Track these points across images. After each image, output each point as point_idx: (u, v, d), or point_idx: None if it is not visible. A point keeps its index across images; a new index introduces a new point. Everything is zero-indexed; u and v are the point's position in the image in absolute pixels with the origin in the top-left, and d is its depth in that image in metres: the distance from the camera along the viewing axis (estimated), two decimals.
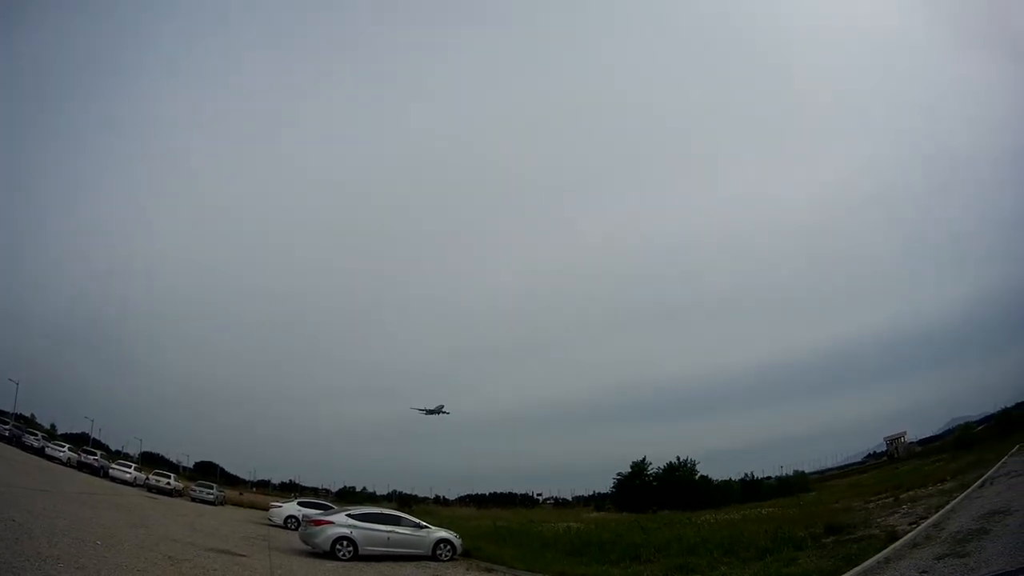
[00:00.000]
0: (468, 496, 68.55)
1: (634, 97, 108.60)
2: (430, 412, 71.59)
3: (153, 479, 45.28)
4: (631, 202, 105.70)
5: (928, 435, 65.22)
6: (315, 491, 59.62)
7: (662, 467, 56.40)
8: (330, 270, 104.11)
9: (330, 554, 19.82)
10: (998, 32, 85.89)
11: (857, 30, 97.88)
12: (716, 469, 59.41)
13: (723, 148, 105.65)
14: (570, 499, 67.32)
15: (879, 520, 21.78)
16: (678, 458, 56.28)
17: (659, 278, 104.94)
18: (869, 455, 70.02)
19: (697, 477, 55.57)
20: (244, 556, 17.20)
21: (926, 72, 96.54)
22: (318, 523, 21.35)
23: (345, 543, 20.25)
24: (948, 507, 20.12)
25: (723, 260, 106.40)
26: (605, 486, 61.85)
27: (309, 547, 20.70)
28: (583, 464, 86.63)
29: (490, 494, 69.21)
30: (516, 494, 69.41)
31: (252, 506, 44.21)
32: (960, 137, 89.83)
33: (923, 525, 17.59)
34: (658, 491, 53.54)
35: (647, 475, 56.58)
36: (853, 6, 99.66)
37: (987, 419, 56.00)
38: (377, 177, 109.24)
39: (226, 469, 65.29)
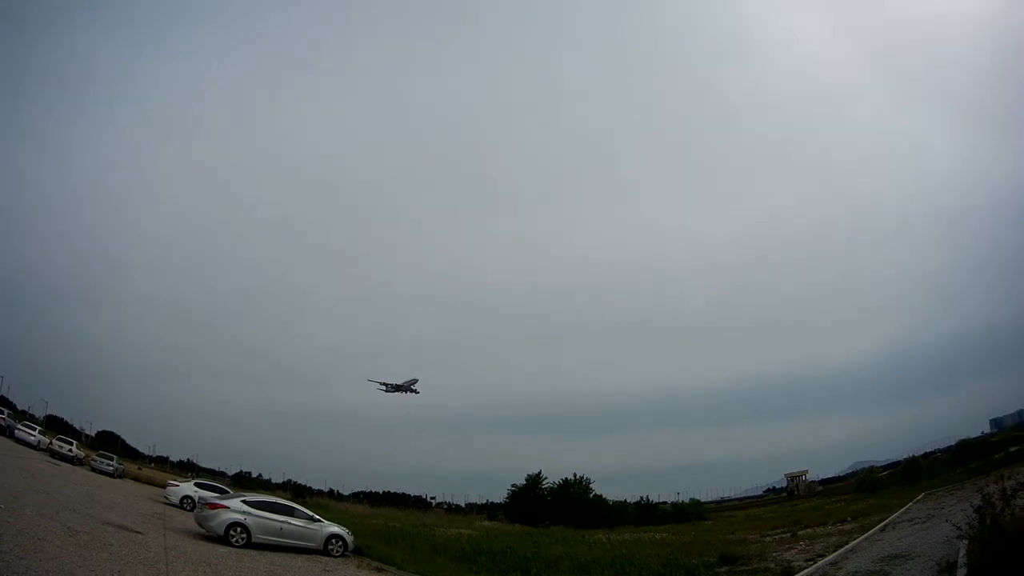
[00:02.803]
0: (362, 493, 67.94)
1: (573, 111, 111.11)
2: (394, 388, 67.90)
3: (56, 445, 44.51)
4: (555, 214, 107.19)
5: (830, 476, 68.57)
6: (212, 473, 58.44)
7: (557, 482, 57.00)
8: (249, 264, 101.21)
9: (223, 539, 19.85)
10: (942, 94, 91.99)
11: (800, 82, 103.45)
12: (612, 489, 60.40)
13: (650, 178, 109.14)
14: (463, 505, 67.57)
15: (775, 554, 22.31)
16: (574, 475, 57.12)
17: (573, 292, 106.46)
18: (769, 490, 72.89)
19: (592, 496, 56.29)
20: (140, 533, 17.60)
21: (871, 124, 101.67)
22: (213, 507, 21.33)
23: (239, 529, 20.23)
24: (848, 547, 20.42)
25: (637, 284, 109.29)
26: (499, 496, 62.14)
27: (203, 530, 20.69)
28: (478, 471, 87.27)
29: (384, 493, 68.84)
30: (409, 495, 69.19)
31: (150, 482, 43.35)
32: (894, 190, 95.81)
33: (820, 563, 17.90)
34: (552, 506, 54.06)
35: (542, 489, 57.10)
36: (797, 62, 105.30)
37: (892, 465, 58.18)
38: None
39: (127, 441, 63.13)
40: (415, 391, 68.22)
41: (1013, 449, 41.36)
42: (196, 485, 34.03)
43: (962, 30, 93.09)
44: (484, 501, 66.70)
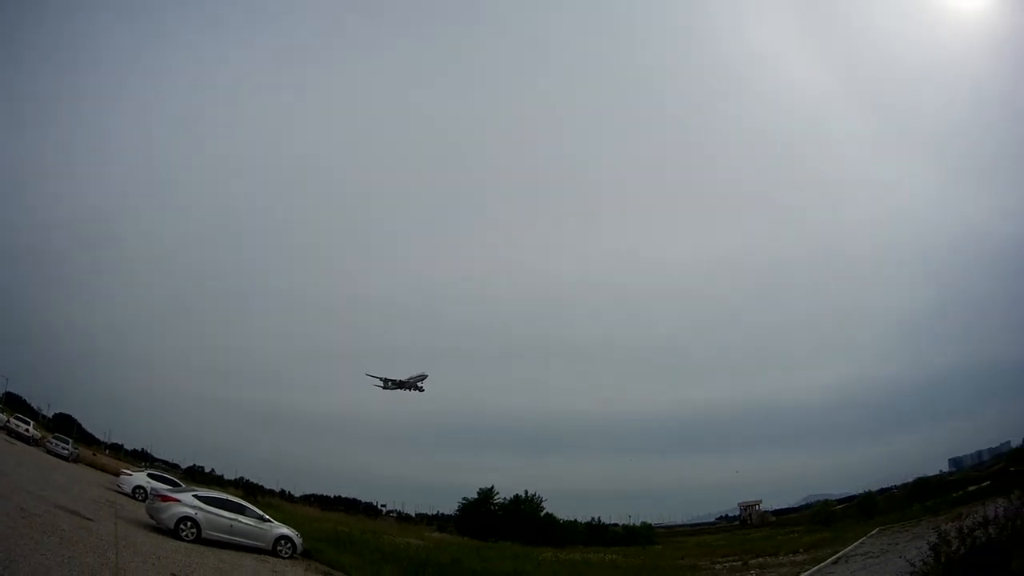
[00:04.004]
0: (313, 496, 66.60)
1: (546, 131, 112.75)
2: (396, 385, 64.96)
3: (13, 423, 43.97)
4: (523, 232, 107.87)
5: (784, 507, 67.23)
6: (165, 464, 57.70)
7: (509, 498, 56.69)
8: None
9: (173, 532, 19.83)
10: (914, 141, 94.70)
11: (777, 120, 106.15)
12: (563, 509, 59.64)
13: (621, 202, 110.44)
14: (413, 515, 66.77)
15: None
16: (526, 492, 56.81)
17: (534, 308, 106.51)
18: (721, 517, 71.78)
19: (543, 514, 56.20)
20: (92, 520, 17.78)
21: (844, 166, 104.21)
22: (165, 499, 21.24)
23: (189, 524, 20.16)
24: None
25: (600, 306, 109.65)
26: (450, 508, 61.43)
27: (154, 522, 20.64)
28: (430, 482, 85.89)
29: (335, 497, 67.79)
30: (360, 501, 67.93)
31: (103, 469, 42.80)
32: (861, 233, 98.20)
33: None
34: (502, 521, 53.90)
35: (493, 504, 56.86)
36: (768, 103, 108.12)
37: (847, 499, 57.01)
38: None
39: (83, 426, 61.89)
40: (420, 388, 65.70)
41: (972, 488, 40.67)
42: (149, 476, 33.79)
43: (936, 79, 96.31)
44: (435, 512, 65.95)
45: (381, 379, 65.16)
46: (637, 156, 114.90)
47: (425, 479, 78.46)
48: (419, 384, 65.28)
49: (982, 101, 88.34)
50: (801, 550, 32.24)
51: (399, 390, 65.03)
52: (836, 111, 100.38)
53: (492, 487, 57.61)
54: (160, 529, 20.34)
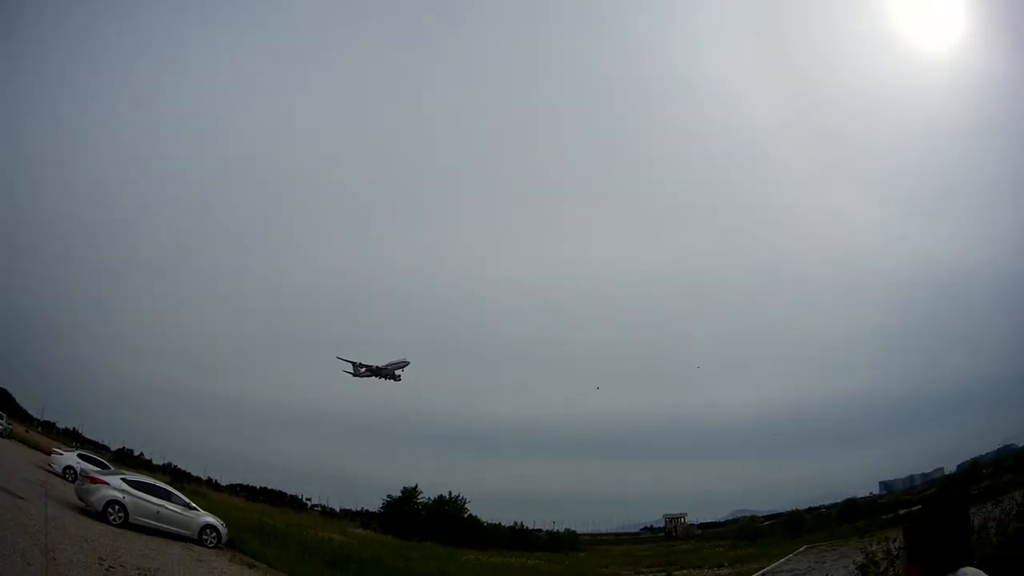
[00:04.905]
0: (239, 485, 65.02)
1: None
2: (370, 372, 60.53)
3: None
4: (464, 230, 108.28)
5: (710, 521, 67.82)
6: (95, 446, 56.73)
7: (432, 499, 56.85)
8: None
9: (101, 516, 20.13)
10: (863, 170, 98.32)
11: (726, 140, 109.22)
12: (486, 511, 59.32)
13: (560, 205, 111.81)
14: (338, 510, 65.74)
15: None
16: (449, 493, 56.97)
17: (460, 308, 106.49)
18: (646, 528, 71.32)
19: (466, 515, 56.42)
20: (23, 499, 18.33)
21: (790, 190, 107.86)
22: (94, 481, 21.48)
23: (116, 508, 20.35)
24: None
25: (534, 309, 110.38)
26: (374, 504, 60.98)
27: (82, 503, 20.92)
28: (356, 478, 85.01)
29: (261, 488, 66.70)
30: (286, 494, 67.38)
31: (35, 446, 42.14)
32: (801, 255, 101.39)
33: None
34: (426, 521, 54.13)
35: (416, 503, 57.03)
36: (718, 127, 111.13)
37: (774, 516, 57.66)
38: None
39: (18, 401, 60.09)
40: (397, 377, 61.12)
41: (903, 512, 40.52)
42: (80, 456, 33.75)
43: (890, 110, 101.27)
44: (359, 508, 65.15)
45: (352, 364, 60.83)
46: (580, 167, 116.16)
47: (351, 474, 77.85)
48: (396, 372, 60.97)
49: (933, 135, 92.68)
50: (726, 564, 33.33)
51: (372, 378, 60.81)
52: (785, 139, 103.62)
53: (416, 486, 57.64)
54: (89, 511, 20.54)
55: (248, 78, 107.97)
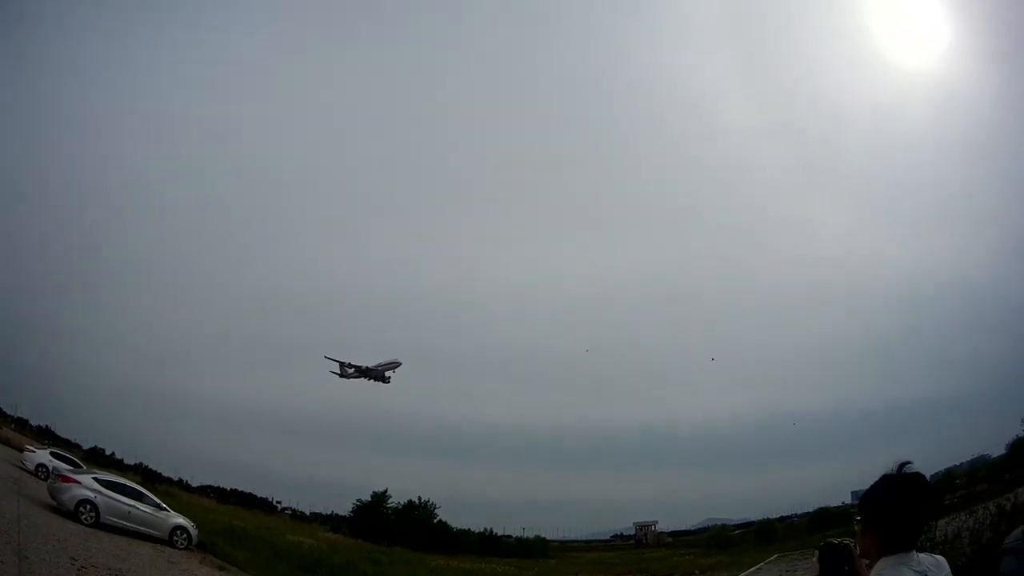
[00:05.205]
0: (210, 487, 64.34)
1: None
2: (359, 373, 58.17)
3: None
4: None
5: (681, 529, 67.55)
6: (68, 444, 56.28)
7: (402, 503, 56.58)
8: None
9: (73, 515, 20.18)
10: (839, 182, 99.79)
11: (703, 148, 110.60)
12: (456, 517, 58.96)
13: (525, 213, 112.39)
14: (308, 514, 66.19)
15: None
16: (419, 498, 56.71)
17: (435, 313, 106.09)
18: (617, 535, 70.74)
19: (436, 521, 56.21)
20: None
21: (766, 202, 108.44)
22: (66, 480, 21.50)
23: (88, 507, 20.33)
24: None
25: (500, 314, 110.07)
26: (344, 508, 60.36)
27: (54, 502, 20.94)
28: (327, 482, 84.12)
29: (231, 490, 66.68)
30: (256, 496, 67.25)
31: (7, 443, 41.98)
32: (776, 265, 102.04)
33: None
34: (396, 526, 53.87)
35: (386, 508, 56.73)
36: (692, 135, 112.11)
37: (745, 525, 57.67)
38: None
39: None
40: (386, 379, 58.96)
41: None
42: (52, 455, 33.69)
43: (869, 122, 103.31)
44: (329, 512, 64.18)
45: (340, 363, 58.61)
46: (546, 168, 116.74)
47: (323, 477, 77.35)
48: (386, 374, 58.72)
49: (912, 148, 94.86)
50: (697, 572, 33.62)
51: (359, 379, 58.60)
52: (764, 147, 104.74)
53: (386, 491, 57.42)
54: (60, 510, 20.60)
55: (247, 79, 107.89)
